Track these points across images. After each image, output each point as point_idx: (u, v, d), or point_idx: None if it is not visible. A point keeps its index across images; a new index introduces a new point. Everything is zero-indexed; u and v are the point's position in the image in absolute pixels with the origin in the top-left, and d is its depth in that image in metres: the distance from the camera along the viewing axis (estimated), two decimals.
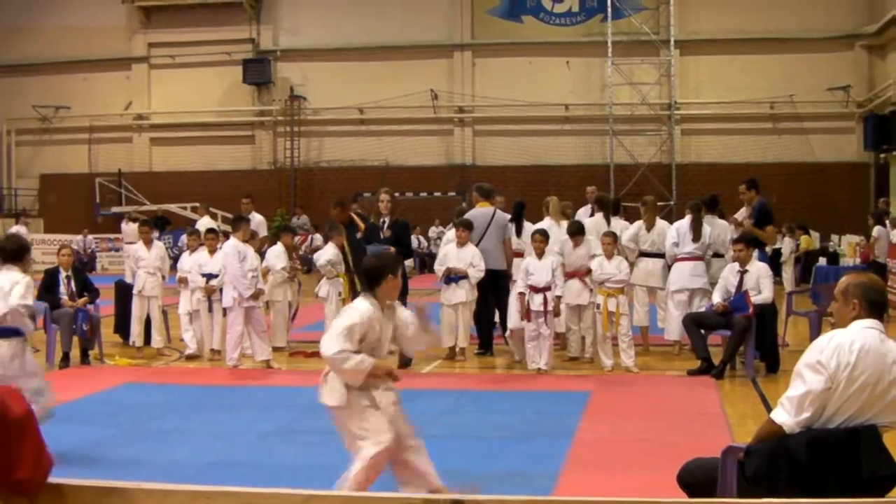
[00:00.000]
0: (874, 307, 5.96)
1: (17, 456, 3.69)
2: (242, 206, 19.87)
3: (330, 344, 7.29)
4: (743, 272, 14.46)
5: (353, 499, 3.77)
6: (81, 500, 3.85)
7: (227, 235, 17.42)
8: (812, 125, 37.94)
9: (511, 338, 15.75)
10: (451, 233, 16.50)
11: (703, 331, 14.60)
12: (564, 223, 16.75)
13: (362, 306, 7.48)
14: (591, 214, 18.09)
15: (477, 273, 15.50)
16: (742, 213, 16.77)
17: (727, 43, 38.03)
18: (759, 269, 14.54)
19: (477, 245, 15.95)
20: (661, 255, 16.58)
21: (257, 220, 19.07)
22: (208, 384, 14.28)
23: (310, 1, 41.51)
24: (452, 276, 15.53)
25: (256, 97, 42.21)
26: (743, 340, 14.21)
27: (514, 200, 17.78)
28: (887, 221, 24.39)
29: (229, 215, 28.42)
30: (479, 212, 16.51)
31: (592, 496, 3.75)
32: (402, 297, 15.32)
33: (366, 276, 7.73)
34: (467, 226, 15.84)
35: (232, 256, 15.24)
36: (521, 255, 16.37)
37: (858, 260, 25.06)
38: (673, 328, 15.98)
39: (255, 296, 15.26)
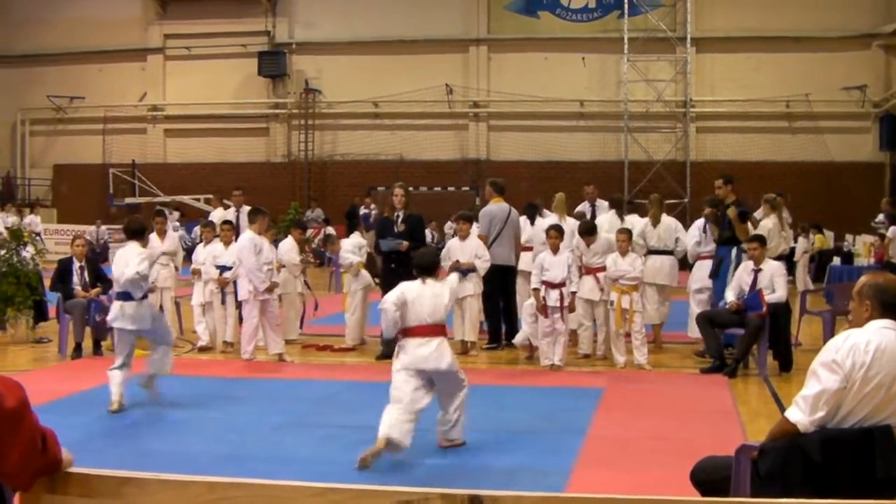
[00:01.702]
0: (887, 308, 5.93)
1: (7, 448, 3.68)
2: (233, 198, 19.52)
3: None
4: (757, 271, 14.43)
5: (370, 492, 3.77)
6: (98, 489, 3.86)
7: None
8: (827, 124, 37.82)
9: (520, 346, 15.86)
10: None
11: (716, 329, 14.61)
12: (569, 220, 16.79)
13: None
14: (592, 213, 18.21)
15: (483, 264, 15.57)
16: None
17: (743, 41, 37.94)
18: (773, 268, 14.52)
19: (493, 241, 16.06)
20: (669, 252, 16.58)
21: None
22: (221, 376, 14.29)
23: None
24: (460, 270, 15.52)
25: (271, 90, 42.19)
26: (756, 339, 14.20)
27: (526, 202, 17.86)
28: None
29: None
30: (496, 207, 16.57)
31: (605, 493, 3.75)
32: None
33: (427, 266, 10.15)
34: (468, 219, 15.99)
35: (248, 250, 15.18)
36: (529, 248, 16.46)
37: (873, 260, 25.01)
38: (694, 326, 15.98)
39: (270, 289, 15.25)
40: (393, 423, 9.22)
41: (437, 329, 9.76)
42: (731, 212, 15.51)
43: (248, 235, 15.46)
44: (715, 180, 16.26)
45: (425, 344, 9.62)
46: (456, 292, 10.74)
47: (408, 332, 9.70)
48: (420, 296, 9.80)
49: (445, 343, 9.80)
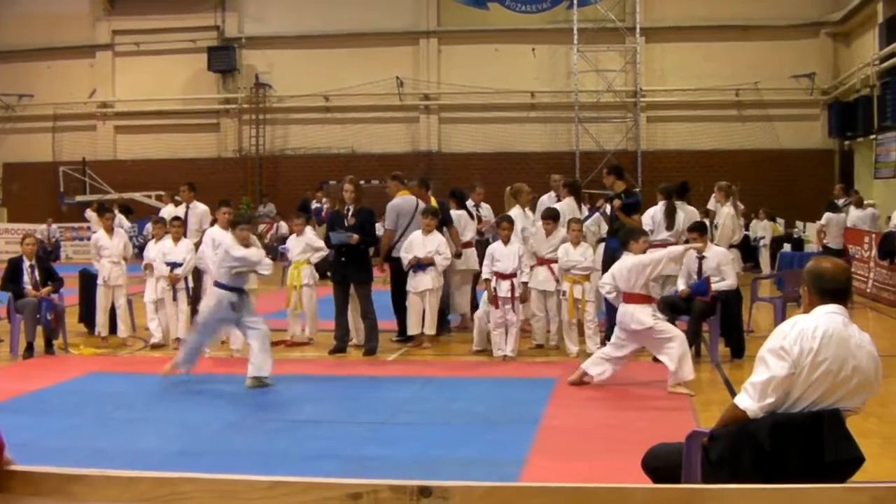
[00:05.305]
0: (825, 294, 5.92)
1: None
2: (181, 193, 19.20)
3: None
4: (701, 258, 14.49)
5: (319, 485, 3.76)
6: (46, 486, 3.83)
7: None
8: (777, 112, 38.04)
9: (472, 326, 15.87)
10: None
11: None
12: (513, 210, 16.70)
13: None
14: (557, 201, 18.08)
15: (443, 261, 15.51)
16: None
17: (692, 30, 38.09)
18: (718, 255, 14.58)
19: (402, 235, 15.95)
20: None
21: (200, 210, 18.52)
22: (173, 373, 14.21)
23: None
24: (419, 265, 15.52)
25: (221, 85, 41.96)
26: (701, 323, 14.28)
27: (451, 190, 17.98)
28: (851, 207, 24.59)
29: None
30: (402, 200, 16.46)
31: (558, 482, 3.75)
32: (368, 284, 15.44)
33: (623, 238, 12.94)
34: (434, 214, 15.83)
35: (205, 244, 15.43)
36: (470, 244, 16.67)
37: (820, 247, 25.23)
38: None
39: None
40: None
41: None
42: (616, 203, 15.57)
43: (210, 231, 15.72)
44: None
45: None
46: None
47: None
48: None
49: None
